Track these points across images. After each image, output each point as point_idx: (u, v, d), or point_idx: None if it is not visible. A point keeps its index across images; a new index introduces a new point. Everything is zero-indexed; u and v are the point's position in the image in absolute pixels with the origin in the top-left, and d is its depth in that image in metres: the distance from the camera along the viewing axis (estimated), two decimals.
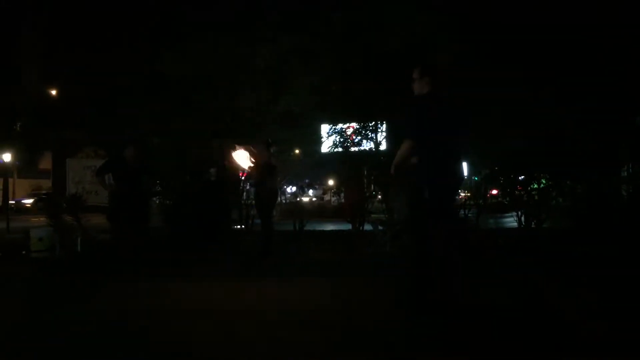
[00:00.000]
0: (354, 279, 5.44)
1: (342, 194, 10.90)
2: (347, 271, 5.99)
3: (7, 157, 20.11)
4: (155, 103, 8.57)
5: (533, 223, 8.18)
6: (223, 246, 8.01)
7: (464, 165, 5.90)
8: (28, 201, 25.64)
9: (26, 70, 20.02)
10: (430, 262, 3.87)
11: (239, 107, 8.74)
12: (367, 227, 8.81)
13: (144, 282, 5.39)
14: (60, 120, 12.23)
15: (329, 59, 8.49)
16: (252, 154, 7.42)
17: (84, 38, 11.86)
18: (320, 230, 10.45)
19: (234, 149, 7.56)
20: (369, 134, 9.32)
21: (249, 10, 9.17)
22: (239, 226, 9.60)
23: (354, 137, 9.35)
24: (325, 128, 9.84)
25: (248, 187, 9.89)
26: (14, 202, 25.04)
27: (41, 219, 8.69)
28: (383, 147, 9.24)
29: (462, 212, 8.12)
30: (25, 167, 28.71)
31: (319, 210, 16.52)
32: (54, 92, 16.87)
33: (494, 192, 9.22)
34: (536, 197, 8.36)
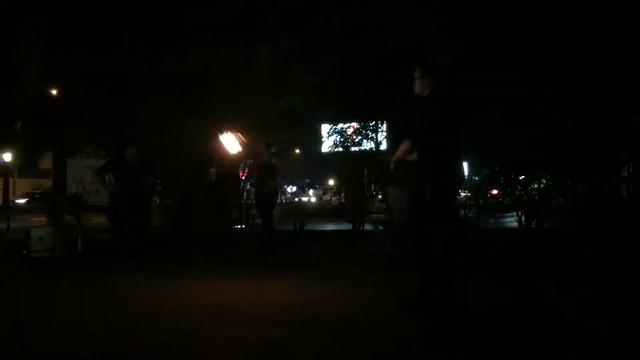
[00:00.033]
0: (354, 279, 5.44)
1: (343, 194, 10.91)
2: (348, 271, 5.99)
3: (7, 156, 20.12)
4: (155, 103, 8.58)
5: (533, 223, 8.19)
6: (223, 246, 8.02)
7: (465, 165, 5.91)
8: (21, 201, 25.71)
9: (26, 70, 19.98)
10: (431, 262, 3.89)
11: (239, 107, 8.74)
12: (368, 227, 8.82)
13: (144, 282, 5.40)
14: (60, 120, 12.25)
15: (329, 59, 8.49)
16: (239, 140, 7.27)
17: (84, 38, 11.88)
18: (320, 230, 10.46)
19: (221, 133, 7.41)
20: (370, 133, 9.33)
21: (249, 10, 9.18)
22: (239, 226, 9.61)
23: (354, 137, 9.35)
24: (325, 128, 9.84)
25: (248, 187, 9.90)
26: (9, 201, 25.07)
27: (41, 219, 8.71)
28: (383, 147, 9.25)
29: (462, 212, 8.13)
30: (25, 166, 28.76)
31: (320, 210, 16.52)
32: (54, 92, 16.89)
33: (494, 192, 9.23)
34: (536, 197, 8.38)
